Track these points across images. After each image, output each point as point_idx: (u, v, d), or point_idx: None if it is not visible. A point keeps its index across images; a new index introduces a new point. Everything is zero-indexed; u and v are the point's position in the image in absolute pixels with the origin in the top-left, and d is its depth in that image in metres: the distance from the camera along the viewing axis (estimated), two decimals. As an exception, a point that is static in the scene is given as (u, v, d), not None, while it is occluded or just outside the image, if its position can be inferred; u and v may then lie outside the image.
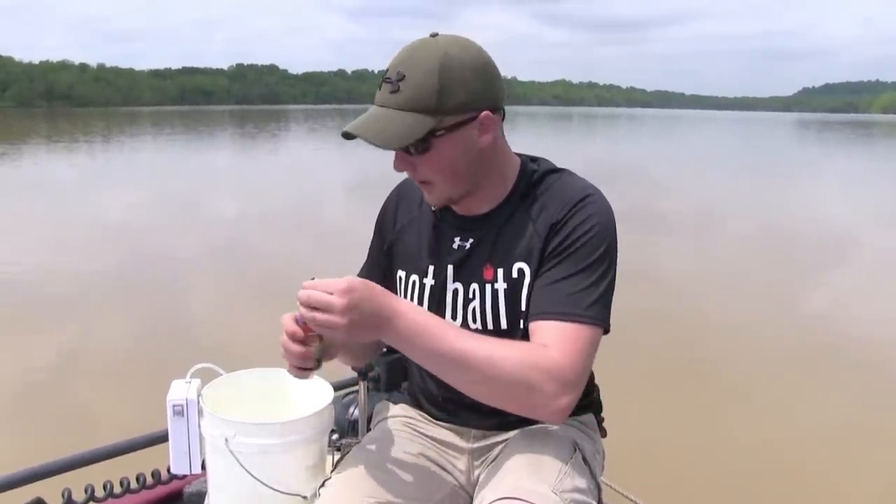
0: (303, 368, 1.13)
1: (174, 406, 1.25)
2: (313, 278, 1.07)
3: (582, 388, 1.13)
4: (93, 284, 6.85)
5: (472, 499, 1.29)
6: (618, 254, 1.22)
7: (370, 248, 1.45)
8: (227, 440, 1.21)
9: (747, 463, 3.47)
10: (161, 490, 1.50)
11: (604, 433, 1.41)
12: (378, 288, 1.09)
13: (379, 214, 1.44)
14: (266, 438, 1.22)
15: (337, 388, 1.88)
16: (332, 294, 1.04)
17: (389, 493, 1.19)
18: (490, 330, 1.23)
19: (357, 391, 1.92)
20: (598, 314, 1.15)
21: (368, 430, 1.82)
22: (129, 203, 12.04)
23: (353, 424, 1.92)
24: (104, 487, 1.39)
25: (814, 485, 3.31)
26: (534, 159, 1.30)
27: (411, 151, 1.19)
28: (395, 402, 1.47)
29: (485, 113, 1.18)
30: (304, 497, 1.26)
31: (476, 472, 1.31)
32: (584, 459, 1.24)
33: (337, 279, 1.06)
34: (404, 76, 1.15)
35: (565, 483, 1.14)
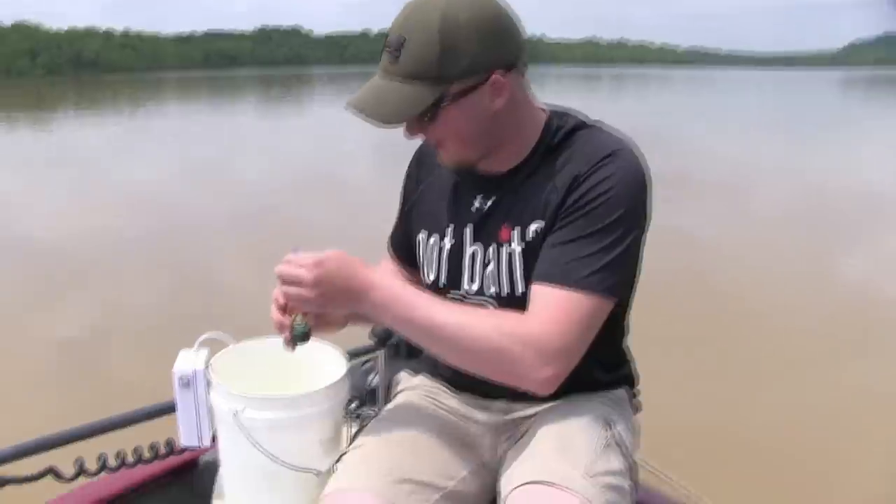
0: (288, 340, 1.14)
1: (180, 378, 1.19)
2: (296, 249, 1.09)
3: (572, 359, 1.07)
4: (122, 249, 6.91)
5: (495, 476, 1.23)
6: (644, 217, 1.13)
7: (399, 210, 1.39)
8: (235, 414, 1.15)
9: (783, 435, 3.37)
10: (175, 460, 1.46)
11: (639, 408, 1.33)
12: (352, 260, 1.09)
13: (405, 174, 1.37)
14: (277, 412, 1.16)
15: (356, 355, 1.84)
16: (302, 268, 1.06)
17: (409, 470, 1.13)
18: (506, 295, 1.16)
19: (376, 358, 1.87)
20: (598, 283, 1.07)
21: (388, 400, 1.77)
22: (157, 169, 12.09)
23: (373, 393, 1.87)
24: (117, 457, 1.35)
25: (859, 459, 3.20)
26: (562, 113, 1.21)
27: (419, 119, 1.11)
28: (416, 372, 1.41)
29: (495, 76, 1.08)
30: (319, 472, 1.20)
31: (501, 449, 1.24)
32: (618, 437, 1.16)
33: (311, 253, 1.07)
34: (404, 41, 1.06)
35: (597, 465, 1.07)
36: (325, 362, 1.32)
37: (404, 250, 1.36)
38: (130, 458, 1.37)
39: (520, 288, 1.15)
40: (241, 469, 1.22)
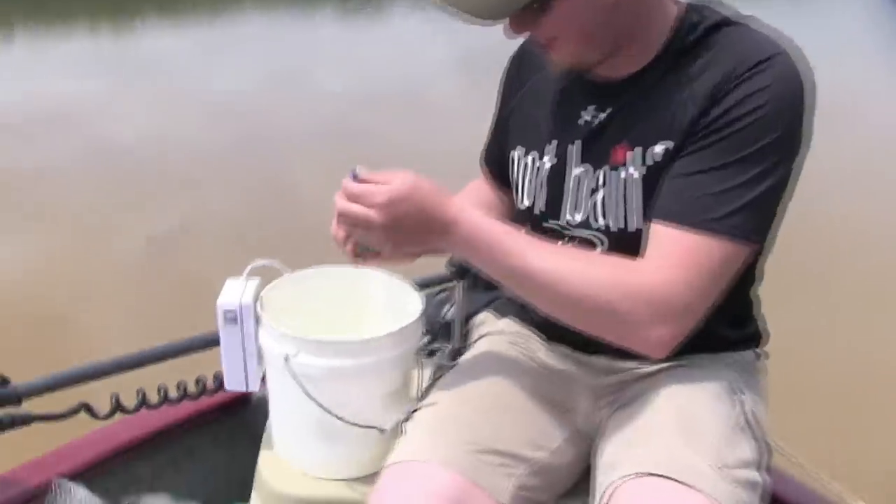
0: (354, 254, 0.95)
1: (225, 312, 1.01)
2: (355, 173, 0.88)
3: (693, 318, 0.88)
4: (203, 157, 6.93)
5: (590, 444, 1.03)
6: (800, 142, 0.88)
7: (493, 119, 1.16)
8: (286, 359, 0.97)
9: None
10: (224, 396, 1.31)
11: (764, 372, 1.09)
12: (429, 192, 0.88)
13: (501, 79, 1.14)
14: (335, 359, 0.97)
15: (429, 284, 1.65)
16: (371, 208, 0.86)
17: (493, 438, 0.93)
18: (617, 230, 0.94)
19: (453, 288, 1.68)
20: (736, 227, 0.84)
21: (465, 338, 1.59)
22: (237, 78, 12.02)
23: (447, 327, 1.68)
24: (158, 392, 1.20)
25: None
26: (702, 6, 0.93)
27: (525, 12, 0.87)
28: (501, 314, 1.19)
29: None
30: (383, 430, 1.02)
31: (600, 416, 1.03)
32: (749, 416, 0.93)
33: (379, 186, 0.86)
34: None
35: (726, 454, 0.85)
36: (395, 298, 1.13)
37: (499, 167, 1.14)
38: (174, 394, 1.22)
39: (634, 223, 0.93)
40: (293, 420, 1.05)
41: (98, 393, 1.13)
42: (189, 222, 5.09)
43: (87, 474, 1.17)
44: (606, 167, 0.94)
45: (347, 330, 1.09)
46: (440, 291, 1.70)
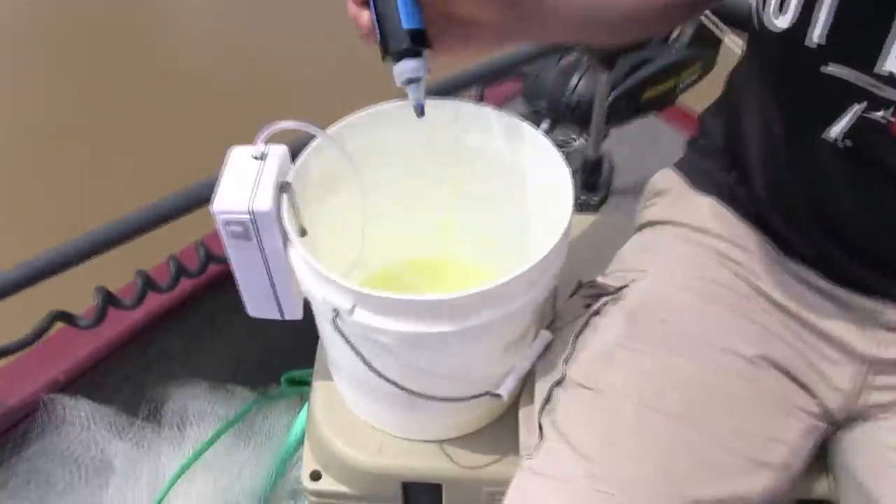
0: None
1: (229, 227, 0.58)
2: None
3: None
4: None
5: (829, 428, 0.63)
6: None
7: None
8: (337, 314, 0.56)
9: None
10: None
11: None
12: None
13: None
14: (423, 324, 0.55)
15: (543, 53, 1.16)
16: None
17: (699, 474, 0.54)
18: None
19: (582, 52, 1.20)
20: None
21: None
22: None
23: (576, 110, 1.20)
24: (169, 265, 0.83)
25: None
26: None
27: None
28: (697, 188, 0.70)
29: None
30: (497, 396, 0.63)
31: (869, 398, 0.60)
32: None
33: None
34: None
35: None
36: (518, 158, 0.66)
37: None
38: (193, 265, 0.85)
39: None
40: (354, 379, 0.67)
41: (64, 291, 0.77)
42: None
43: (96, 366, 0.87)
44: None
45: (436, 232, 0.65)
46: (561, 57, 1.21)
